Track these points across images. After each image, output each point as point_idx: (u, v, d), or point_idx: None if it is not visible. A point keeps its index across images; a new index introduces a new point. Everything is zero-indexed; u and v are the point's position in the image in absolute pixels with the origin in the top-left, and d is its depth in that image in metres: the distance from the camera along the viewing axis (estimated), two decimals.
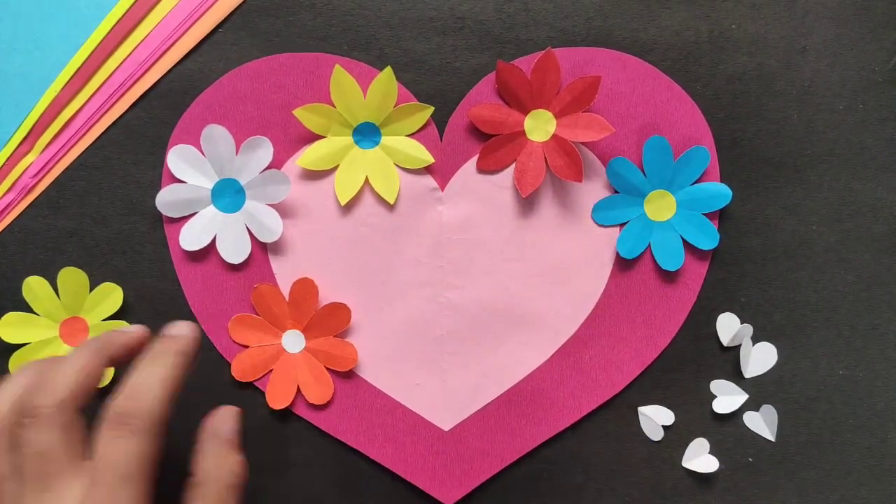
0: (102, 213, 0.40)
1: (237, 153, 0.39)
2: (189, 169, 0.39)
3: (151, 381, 0.31)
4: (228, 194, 0.39)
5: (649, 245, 0.40)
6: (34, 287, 0.40)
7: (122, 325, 0.40)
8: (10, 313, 0.40)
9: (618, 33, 0.39)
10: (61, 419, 0.30)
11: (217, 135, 0.38)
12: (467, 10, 0.39)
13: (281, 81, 0.39)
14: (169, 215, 0.39)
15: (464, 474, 0.41)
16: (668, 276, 0.40)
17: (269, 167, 0.39)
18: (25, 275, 0.40)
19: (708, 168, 0.39)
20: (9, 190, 0.40)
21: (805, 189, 0.40)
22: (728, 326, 0.41)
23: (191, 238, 0.39)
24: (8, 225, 0.40)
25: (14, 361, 0.40)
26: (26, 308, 0.40)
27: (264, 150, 0.38)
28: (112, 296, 0.40)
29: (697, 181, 0.39)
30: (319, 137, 0.39)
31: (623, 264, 0.40)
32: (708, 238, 0.39)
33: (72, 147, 0.40)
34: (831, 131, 0.40)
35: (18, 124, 0.39)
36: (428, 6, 0.39)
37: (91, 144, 0.40)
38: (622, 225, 0.40)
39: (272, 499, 0.41)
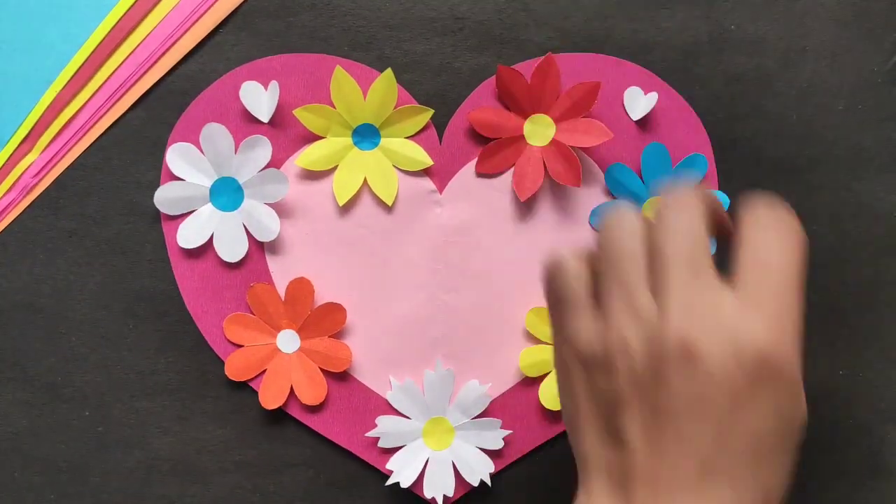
0: (102, 213, 0.40)
1: (236, 152, 0.39)
2: (187, 167, 0.39)
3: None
4: (227, 192, 0.39)
5: None
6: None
7: None
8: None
9: (618, 33, 0.39)
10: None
11: (216, 133, 0.38)
12: (467, 11, 0.39)
13: (281, 82, 0.39)
14: (167, 212, 0.39)
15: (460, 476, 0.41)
16: None
17: (267, 166, 0.39)
18: (26, 275, 0.40)
19: (706, 175, 0.39)
20: (9, 190, 0.40)
21: (804, 189, 0.40)
22: None
23: (188, 235, 0.39)
24: (8, 225, 0.40)
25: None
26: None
27: (263, 149, 0.39)
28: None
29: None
30: (319, 138, 0.39)
31: None
32: None
33: (72, 147, 0.40)
34: (830, 132, 0.40)
35: (18, 124, 0.39)
36: (428, 6, 0.39)
37: (91, 144, 0.40)
38: None
39: (264, 499, 0.41)
